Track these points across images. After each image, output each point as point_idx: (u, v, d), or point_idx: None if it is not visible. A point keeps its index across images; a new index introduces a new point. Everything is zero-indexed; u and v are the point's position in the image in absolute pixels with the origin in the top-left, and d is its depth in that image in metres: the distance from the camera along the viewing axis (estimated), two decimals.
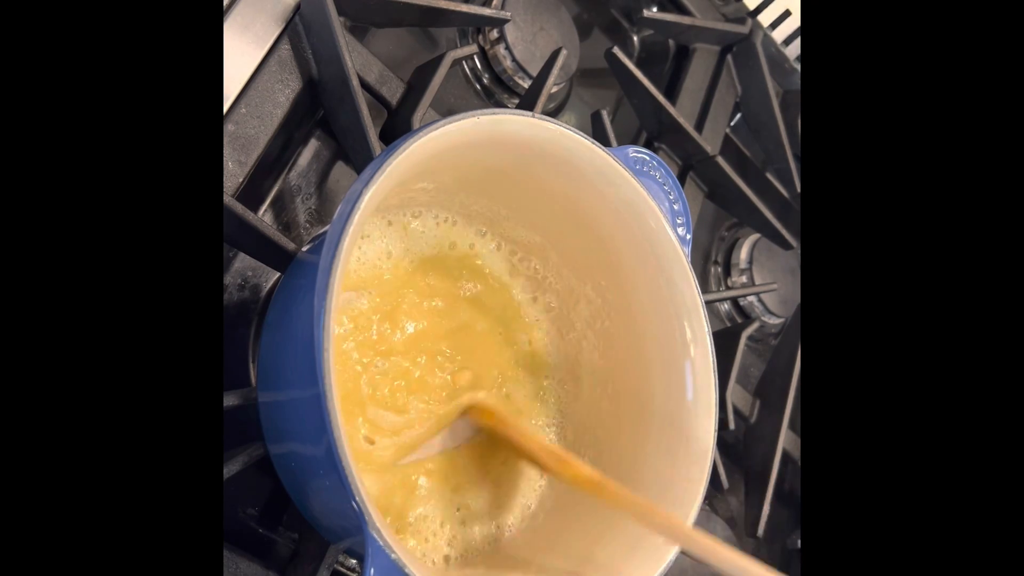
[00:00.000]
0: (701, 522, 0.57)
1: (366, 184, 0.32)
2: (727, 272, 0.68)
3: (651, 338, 0.43)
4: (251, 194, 0.43)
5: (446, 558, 0.41)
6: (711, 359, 0.41)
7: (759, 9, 0.70)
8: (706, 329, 0.41)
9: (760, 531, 0.59)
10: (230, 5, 0.43)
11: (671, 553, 0.37)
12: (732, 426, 0.60)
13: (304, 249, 0.39)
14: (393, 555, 0.30)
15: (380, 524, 0.30)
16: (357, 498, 0.30)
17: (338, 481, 0.30)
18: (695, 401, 0.41)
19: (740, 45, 0.69)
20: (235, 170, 0.42)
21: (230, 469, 0.38)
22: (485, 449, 0.43)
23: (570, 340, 0.47)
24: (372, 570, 0.30)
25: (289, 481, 0.37)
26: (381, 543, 0.30)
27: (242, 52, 0.43)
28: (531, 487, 0.44)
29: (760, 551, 0.62)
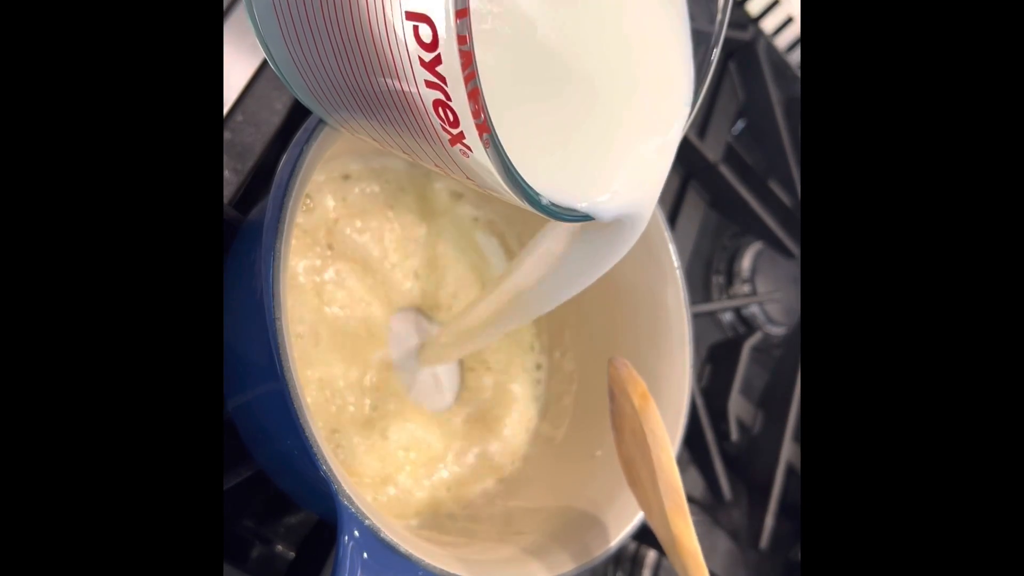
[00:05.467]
0: (703, 534, 0.57)
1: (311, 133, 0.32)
2: (729, 282, 0.67)
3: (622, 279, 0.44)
4: (247, 202, 0.43)
5: (425, 518, 0.41)
6: (682, 292, 0.42)
7: (761, 16, 0.70)
8: (676, 263, 0.42)
9: (763, 543, 0.59)
10: (227, 11, 0.43)
11: None
12: (735, 437, 0.59)
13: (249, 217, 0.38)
14: (367, 521, 0.29)
15: (351, 491, 0.29)
16: (324, 466, 0.29)
17: (303, 447, 0.29)
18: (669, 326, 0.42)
19: (742, 51, 0.68)
20: (231, 178, 0.41)
21: (228, 481, 0.37)
22: (461, 410, 0.43)
23: None
24: (345, 537, 0.29)
25: (260, 456, 0.37)
26: (353, 510, 0.29)
27: (239, 59, 0.43)
28: (507, 452, 0.44)
29: (763, 564, 0.61)
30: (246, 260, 0.34)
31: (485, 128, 0.22)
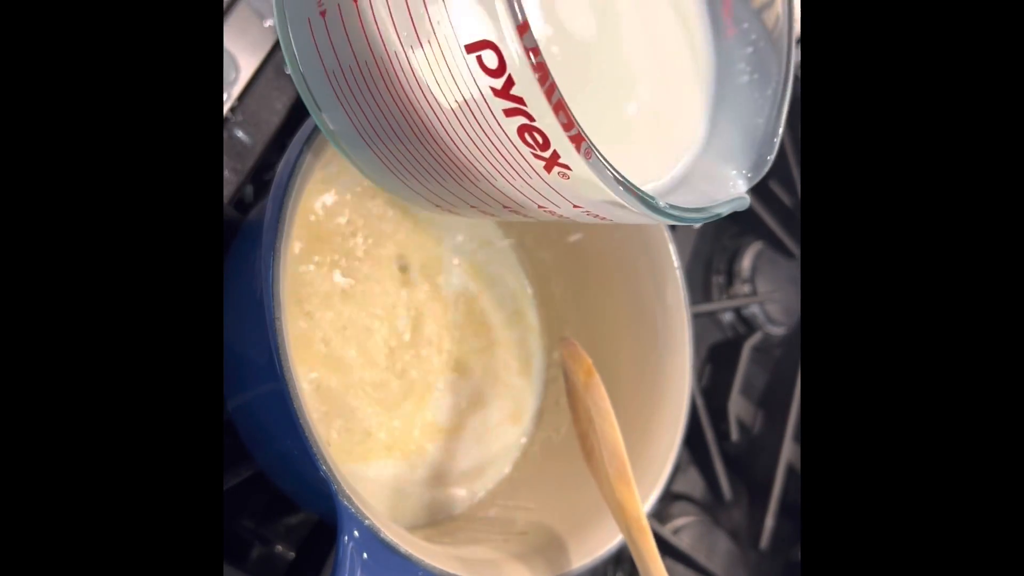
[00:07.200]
0: (704, 534, 0.57)
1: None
2: (729, 282, 0.67)
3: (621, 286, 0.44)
4: (247, 202, 0.43)
5: (424, 518, 0.41)
6: (682, 292, 0.42)
7: None
8: (676, 263, 0.42)
9: (763, 543, 0.59)
10: (227, 9, 0.43)
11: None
12: (735, 437, 0.59)
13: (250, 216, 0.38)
14: (367, 521, 0.29)
15: (350, 491, 0.29)
16: (324, 466, 0.29)
17: (302, 448, 0.29)
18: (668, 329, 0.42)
19: None
20: (230, 178, 0.41)
21: (228, 481, 0.37)
22: (461, 409, 0.43)
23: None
24: (345, 537, 0.29)
25: (260, 457, 0.37)
26: (353, 510, 0.29)
27: (239, 59, 0.43)
28: (507, 452, 0.44)
29: (763, 564, 0.61)
30: (246, 260, 0.34)
31: (580, 138, 0.21)
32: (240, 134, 0.42)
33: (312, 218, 0.40)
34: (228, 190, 0.41)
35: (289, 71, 0.26)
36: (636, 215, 0.23)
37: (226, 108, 0.42)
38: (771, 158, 0.28)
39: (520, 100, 0.20)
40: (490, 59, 0.20)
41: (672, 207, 0.24)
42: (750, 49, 0.30)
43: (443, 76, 0.21)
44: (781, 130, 0.28)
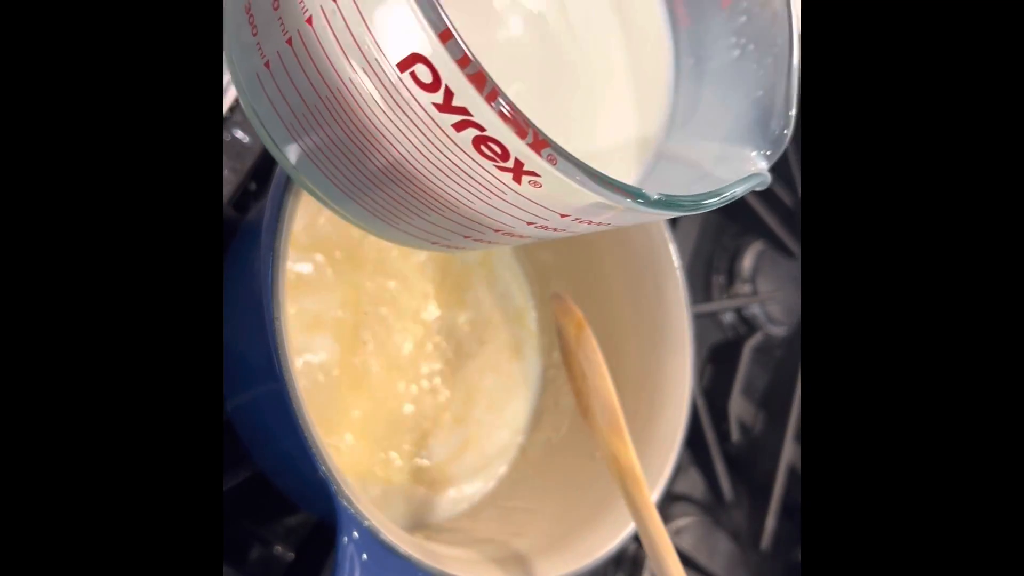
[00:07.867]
0: (704, 535, 0.57)
1: None
2: (730, 281, 0.67)
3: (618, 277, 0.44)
4: (247, 202, 0.43)
5: (424, 519, 0.41)
6: (683, 292, 0.42)
7: None
8: (676, 263, 0.42)
9: (764, 544, 0.59)
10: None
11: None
12: (736, 438, 0.59)
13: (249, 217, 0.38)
14: (366, 522, 0.29)
15: (350, 492, 0.29)
16: (323, 466, 0.29)
17: (302, 448, 0.29)
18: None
19: None
20: (230, 177, 0.41)
21: (227, 482, 0.37)
22: (460, 410, 0.43)
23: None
24: (345, 538, 0.29)
25: (259, 457, 0.37)
26: (353, 511, 0.29)
27: None
28: (506, 453, 0.44)
29: (764, 564, 0.61)
30: (246, 260, 0.34)
31: (542, 143, 0.19)
32: (240, 134, 0.42)
33: (304, 234, 0.40)
34: (228, 190, 0.41)
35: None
36: (633, 213, 0.22)
37: (226, 108, 0.42)
38: (788, 132, 0.26)
39: (464, 111, 0.19)
40: (424, 73, 0.19)
41: (668, 196, 0.21)
42: (743, 18, 0.28)
43: (389, 105, 0.20)
44: (795, 98, 0.27)
